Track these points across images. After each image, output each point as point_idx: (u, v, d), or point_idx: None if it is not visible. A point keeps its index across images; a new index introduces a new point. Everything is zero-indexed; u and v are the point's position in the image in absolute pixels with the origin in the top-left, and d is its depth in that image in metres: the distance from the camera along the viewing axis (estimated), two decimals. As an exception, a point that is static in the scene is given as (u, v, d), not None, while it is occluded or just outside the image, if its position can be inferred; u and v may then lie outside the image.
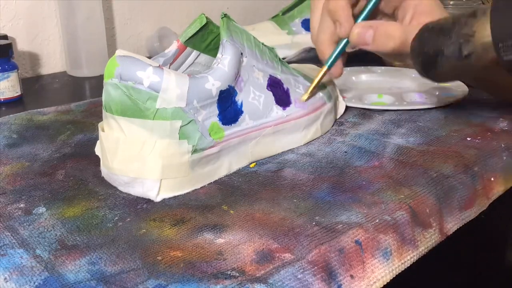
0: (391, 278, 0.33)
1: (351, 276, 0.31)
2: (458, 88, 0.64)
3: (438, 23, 0.42)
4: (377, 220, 0.34)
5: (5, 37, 0.68)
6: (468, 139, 0.48)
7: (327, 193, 0.38)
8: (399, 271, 0.34)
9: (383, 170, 0.42)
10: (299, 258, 0.30)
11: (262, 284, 0.28)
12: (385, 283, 0.32)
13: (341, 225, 0.34)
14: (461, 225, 0.39)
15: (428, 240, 0.36)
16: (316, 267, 0.30)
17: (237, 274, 0.29)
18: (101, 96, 0.38)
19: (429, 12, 0.46)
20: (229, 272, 0.29)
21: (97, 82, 0.76)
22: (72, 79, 0.77)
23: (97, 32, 0.78)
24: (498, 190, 0.43)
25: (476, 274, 0.59)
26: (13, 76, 0.63)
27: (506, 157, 0.45)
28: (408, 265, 0.34)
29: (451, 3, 0.93)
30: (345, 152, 0.46)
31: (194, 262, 0.30)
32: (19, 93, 0.64)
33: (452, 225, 0.39)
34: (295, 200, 0.37)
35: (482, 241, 0.56)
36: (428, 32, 0.42)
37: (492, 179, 0.43)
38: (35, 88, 0.72)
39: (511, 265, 0.60)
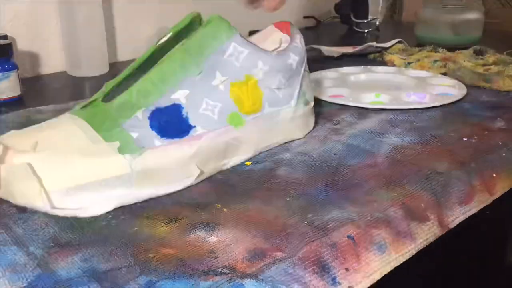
0: (390, 269, 0.33)
1: (346, 269, 0.31)
2: (456, 88, 0.64)
3: None
4: (369, 218, 0.34)
5: (5, 37, 0.68)
6: (465, 139, 0.48)
7: (320, 192, 0.38)
8: (398, 263, 0.33)
9: (377, 169, 0.42)
10: (290, 256, 0.30)
11: (252, 280, 0.28)
12: (383, 274, 0.32)
13: (332, 223, 0.34)
14: (463, 219, 0.39)
15: (427, 232, 0.36)
16: (307, 262, 0.30)
17: (228, 271, 0.29)
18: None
19: None
20: (220, 270, 0.29)
21: (97, 82, 0.76)
22: (72, 79, 0.77)
23: (97, 32, 0.78)
24: (502, 186, 0.43)
25: (476, 273, 0.59)
26: (13, 76, 0.63)
27: (506, 154, 0.45)
28: (408, 257, 0.34)
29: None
30: (340, 151, 0.46)
31: (185, 259, 0.30)
32: (19, 93, 0.65)
33: (453, 219, 0.38)
34: (288, 199, 0.37)
35: (482, 240, 0.55)
36: None
37: (494, 175, 0.43)
38: (35, 88, 0.72)
39: (511, 265, 0.60)
